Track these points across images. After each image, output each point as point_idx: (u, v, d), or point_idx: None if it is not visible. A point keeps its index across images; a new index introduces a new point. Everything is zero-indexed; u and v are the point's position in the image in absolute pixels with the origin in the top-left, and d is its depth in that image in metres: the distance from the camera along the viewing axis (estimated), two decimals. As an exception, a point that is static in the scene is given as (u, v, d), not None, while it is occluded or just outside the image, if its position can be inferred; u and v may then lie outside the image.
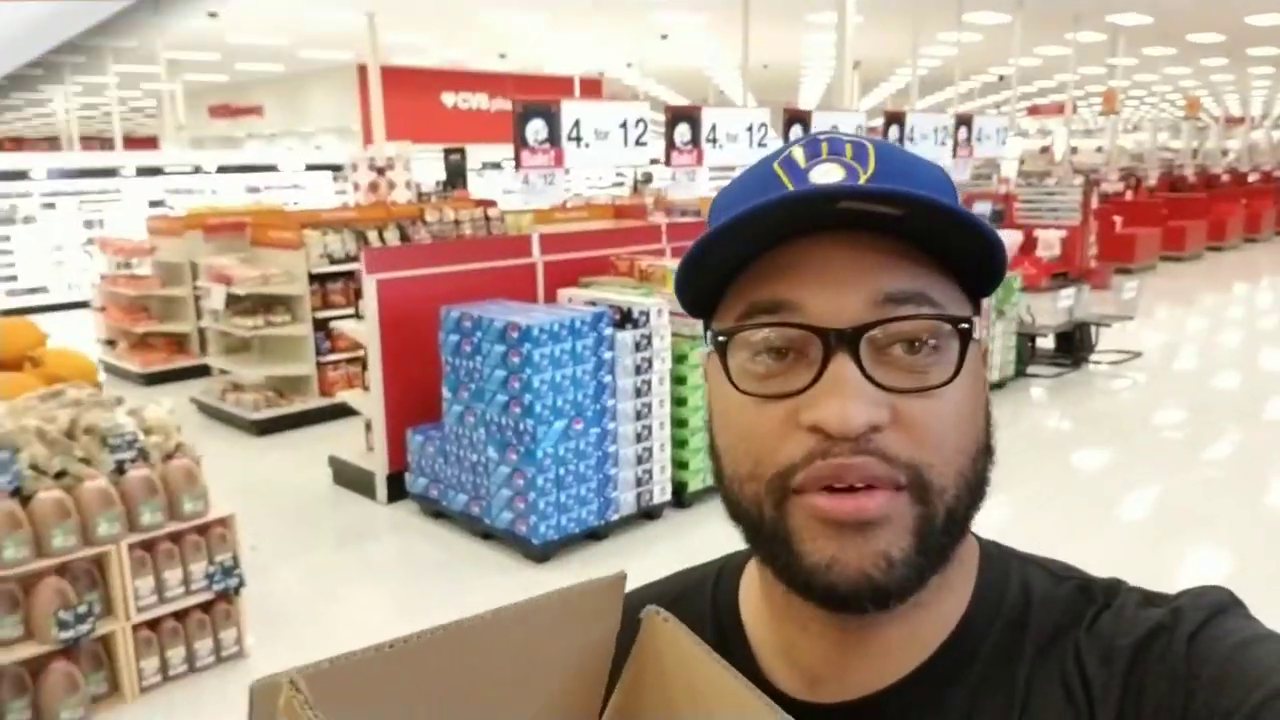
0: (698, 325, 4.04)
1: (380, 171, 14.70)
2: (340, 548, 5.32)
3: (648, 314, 4.98)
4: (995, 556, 0.65)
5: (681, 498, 5.32)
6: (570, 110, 5.86)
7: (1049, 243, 8.84)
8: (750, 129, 7.30)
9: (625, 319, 4.95)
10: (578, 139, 5.86)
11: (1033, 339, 8.40)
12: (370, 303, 5.40)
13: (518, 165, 5.61)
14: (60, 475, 3.53)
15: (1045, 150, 25.71)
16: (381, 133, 16.89)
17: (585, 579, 0.56)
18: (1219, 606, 0.57)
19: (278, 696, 0.45)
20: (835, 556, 0.54)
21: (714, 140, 6.95)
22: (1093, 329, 8.64)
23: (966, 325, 0.55)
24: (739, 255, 0.57)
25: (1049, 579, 0.63)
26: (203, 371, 8.21)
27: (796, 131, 7.86)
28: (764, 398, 0.55)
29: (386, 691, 0.50)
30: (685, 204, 11.05)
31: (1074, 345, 8.60)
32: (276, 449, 6.81)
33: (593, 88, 22.48)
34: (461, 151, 18.72)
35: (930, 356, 0.54)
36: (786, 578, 0.57)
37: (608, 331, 4.83)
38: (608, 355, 4.84)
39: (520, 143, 5.60)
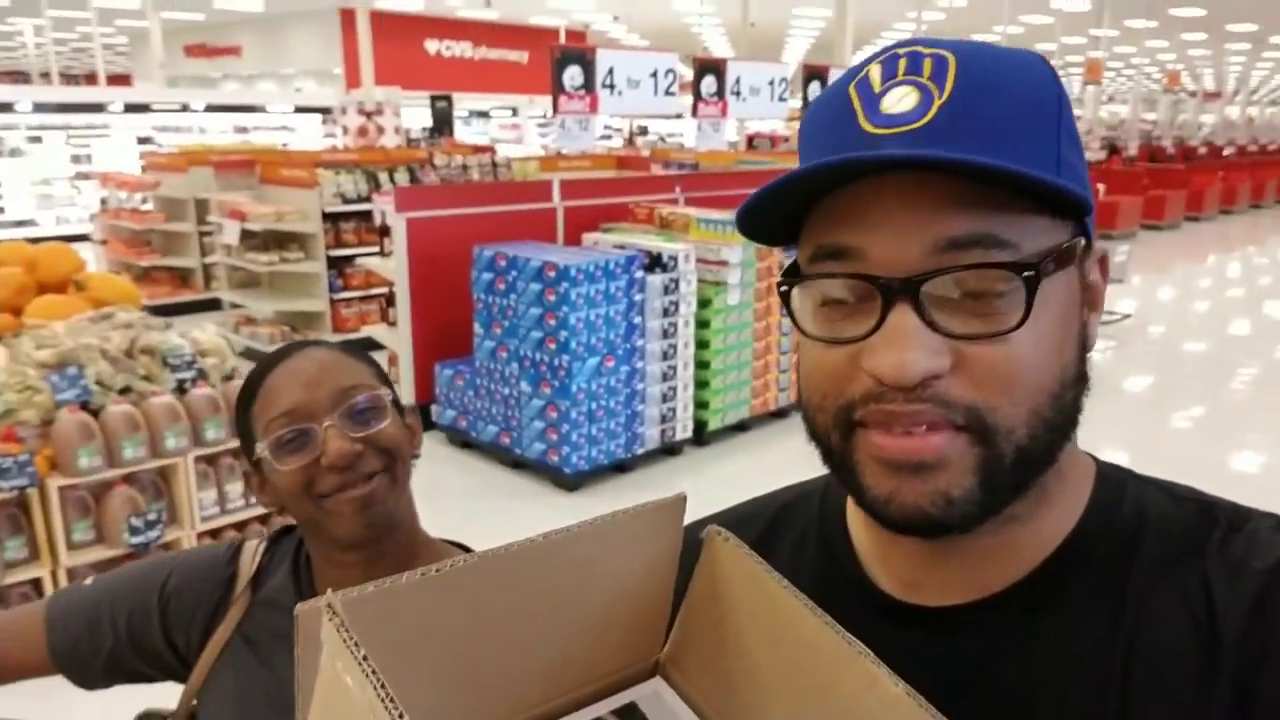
0: (722, 272, 4.31)
1: (369, 116, 14.55)
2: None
3: (676, 259, 5.12)
4: (1111, 476, 0.63)
5: (702, 435, 5.51)
6: (605, 58, 5.93)
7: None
8: (772, 83, 7.40)
9: (654, 263, 5.09)
10: (611, 86, 5.94)
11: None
12: (400, 240, 5.49)
13: (555, 110, 5.70)
14: (124, 391, 3.64)
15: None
16: (370, 77, 16.71)
17: (617, 507, 0.55)
18: None
19: (320, 619, 0.45)
20: (893, 493, 0.54)
21: (738, 93, 7.05)
22: (1081, 291, 8.90)
23: (1033, 271, 0.52)
24: (801, 199, 0.56)
25: (1168, 499, 0.62)
26: (209, 306, 8.24)
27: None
28: (828, 342, 0.56)
29: (436, 617, 0.50)
30: (683, 156, 11.14)
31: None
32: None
33: (577, 39, 22.32)
34: (448, 99, 18.59)
35: (997, 305, 0.52)
36: (857, 503, 0.58)
37: (639, 274, 4.97)
38: (638, 297, 4.98)
39: (558, 88, 5.67)
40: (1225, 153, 21.46)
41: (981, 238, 0.52)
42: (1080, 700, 0.56)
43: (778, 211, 0.57)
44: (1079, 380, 0.57)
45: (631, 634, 0.59)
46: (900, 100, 0.54)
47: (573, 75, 5.78)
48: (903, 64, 0.55)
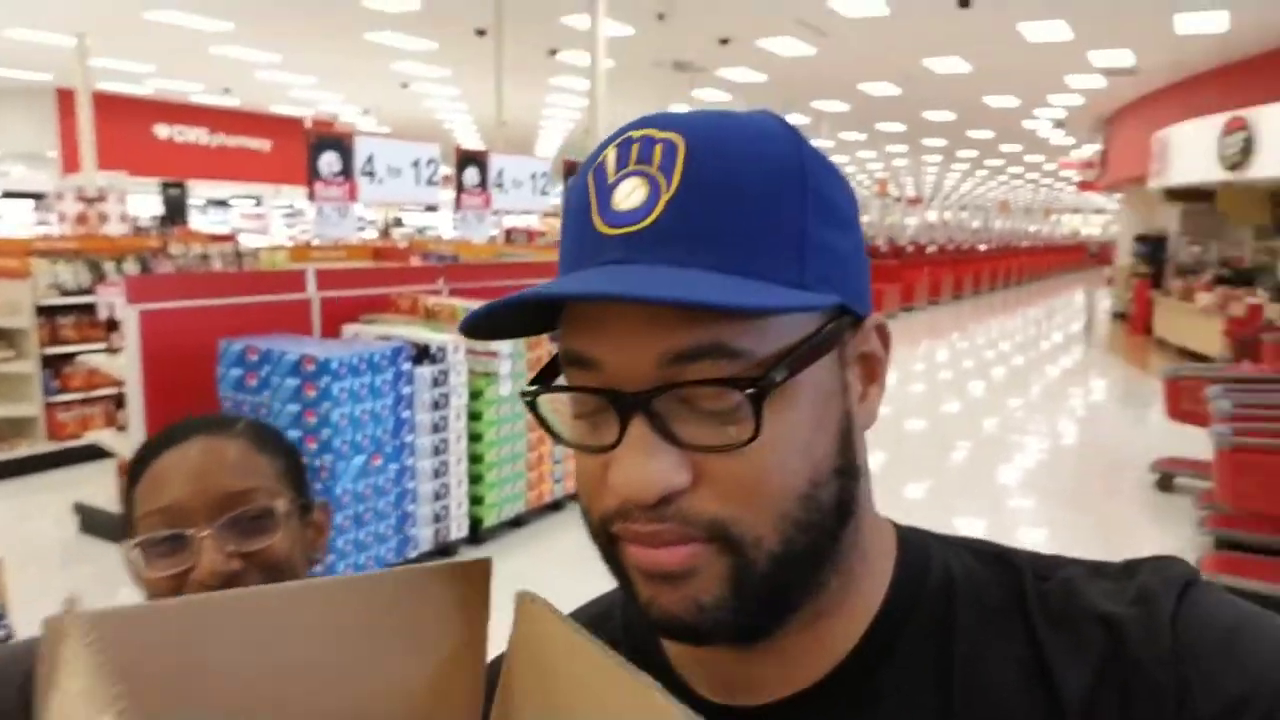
0: (492, 362, 4.27)
1: (90, 202, 13.37)
2: (108, 600, 4.77)
3: (445, 350, 4.98)
4: (913, 543, 0.62)
5: (477, 533, 5.30)
6: (364, 145, 5.77)
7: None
8: (533, 176, 7.51)
9: (422, 355, 4.92)
10: (371, 173, 5.78)
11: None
12: (132, 335, 4.96)
13: (311, 196, 5.43)
14: None
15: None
16: (93, 161, 15.39)
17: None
18: (1186, 579, 0.55)
19: (63, 636, 0.43)
20: (652, 598, 0.53)
21: (500, 184, 7.08)
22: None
23: (753, 389, 0.49)
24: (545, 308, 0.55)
25: (970, 557, 0.61)
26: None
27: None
28: (581, 449, 0.55)
29: (205, 649, 0.47)
30: (442, 248, 11.03)
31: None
32: (3, 498, 5.98)
33: (325, 130, 21.77)
34: (181, 185, 17.45)
35: (733, 413, 0.50)
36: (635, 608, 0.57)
37: (406, 366, 4.78)
38: (406, 390, 4.78)
39: (314, 174, 5.43)
40: (928, 250, 24.19)
41: (709, 349, 0.49)
42: None
43: (519, 318, 0.55)
44: (841, 472, 0.54)
45: (443, 701, 0.56)
46: (630, 195, 0.51)
47: (329, 161, 5.58)
48: (634, 150, 0.52)
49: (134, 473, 0.95)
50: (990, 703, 0.54)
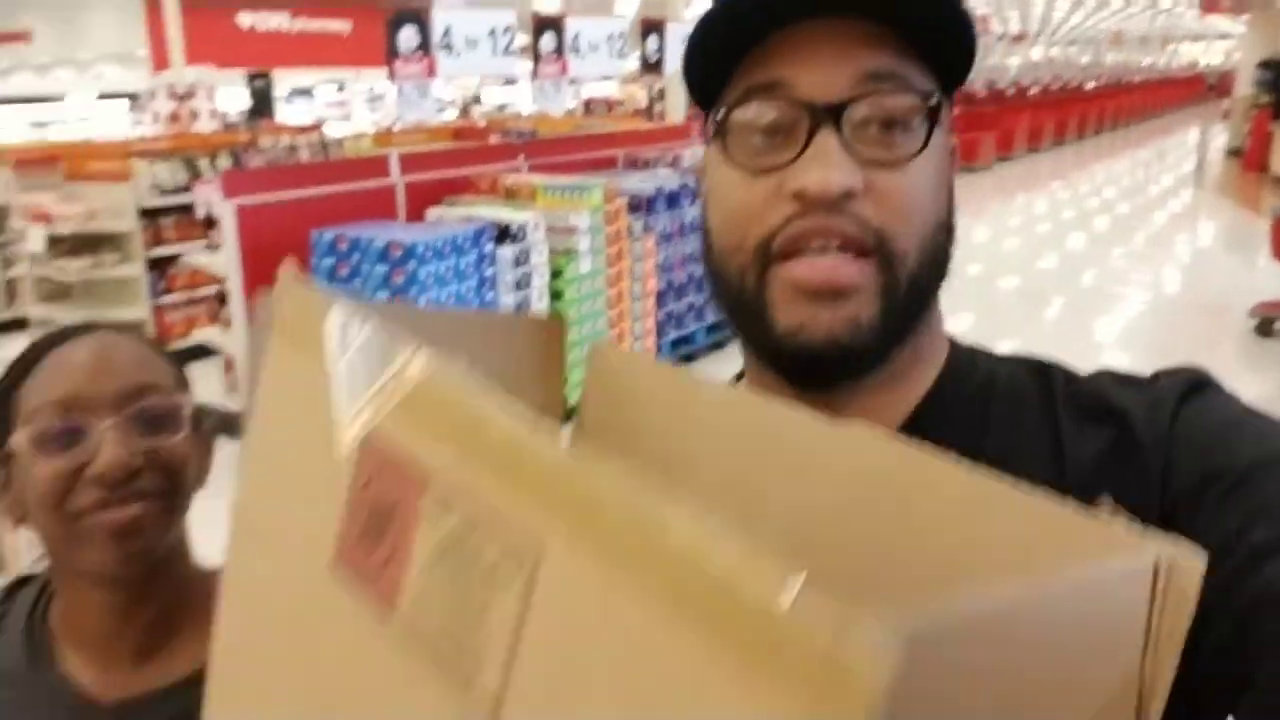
0: (571, 239, 4.21)
1: (181, 99, 13.66)
2: (221, 494, 5.17)
3: (525, 229, 5.06)
4: (962, 346, 0.70)
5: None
6: (440, 18, 5.73)
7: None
8: (610, 38, 7.35)
9: (504, 235, 5.01)
10: (449, 47, 5.75)
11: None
12: (229, 230, 5.18)
13: (391, 75, 5.46)
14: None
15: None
16: (180, 57, 15.64)
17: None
18: (1198, 382, 0.61)
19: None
20: (805, 322, 0.59)
21: (577, 50, 6.96)
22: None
23: (936, 104, 0.60)
24: (737, 43, 0.62)
25: (1014, 364, 0.68)
26: (14, 326, 7.58)
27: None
28: (755, 172, 0.61)
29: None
30: (521, 125, 10.99)
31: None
32: (125, 394, 6.42)
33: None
34: (267, 77, 17.63)
35: (902, 135, 0.60)
36: (760, 346, 0.64)
37: (489, 247, 4.89)
38: (490, 271, 4.90)
39: (392, 51, 5.44)
40: (1030, 93, 22.86)
41: (893, 74, 0.60)
42: None
43: (709, 70, 0.64)
44: (949, 229, 0.64)
45: None
46: None
47: (408, 37, 5.57)
48: None
49: (18, 369, 0.88)
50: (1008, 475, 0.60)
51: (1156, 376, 0.64)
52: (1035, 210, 13.71)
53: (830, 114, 0.58)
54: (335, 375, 0.48)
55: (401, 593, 0.41)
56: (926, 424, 0.64)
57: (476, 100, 18.02)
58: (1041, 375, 0.66)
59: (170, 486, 0.86)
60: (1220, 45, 48.81)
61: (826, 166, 0.58)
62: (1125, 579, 0.38)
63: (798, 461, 0.53)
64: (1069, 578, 0.37)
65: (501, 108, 20.51)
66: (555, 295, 5.36)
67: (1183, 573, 0.39)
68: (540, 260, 5.16)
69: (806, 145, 0.59)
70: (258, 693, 0.52)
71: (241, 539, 0.54)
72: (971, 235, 11.74)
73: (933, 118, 0.60)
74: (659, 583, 0.31)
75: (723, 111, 0.63)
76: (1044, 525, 0.42)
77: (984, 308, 7.95)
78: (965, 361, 0.69)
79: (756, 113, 0.61)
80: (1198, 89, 40.25)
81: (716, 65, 0.63)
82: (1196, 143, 16.32)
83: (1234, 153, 17.39)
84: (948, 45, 0.61)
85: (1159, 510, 0.55)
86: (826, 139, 0.58)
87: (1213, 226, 11.90)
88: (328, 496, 0.46)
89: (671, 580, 0.31)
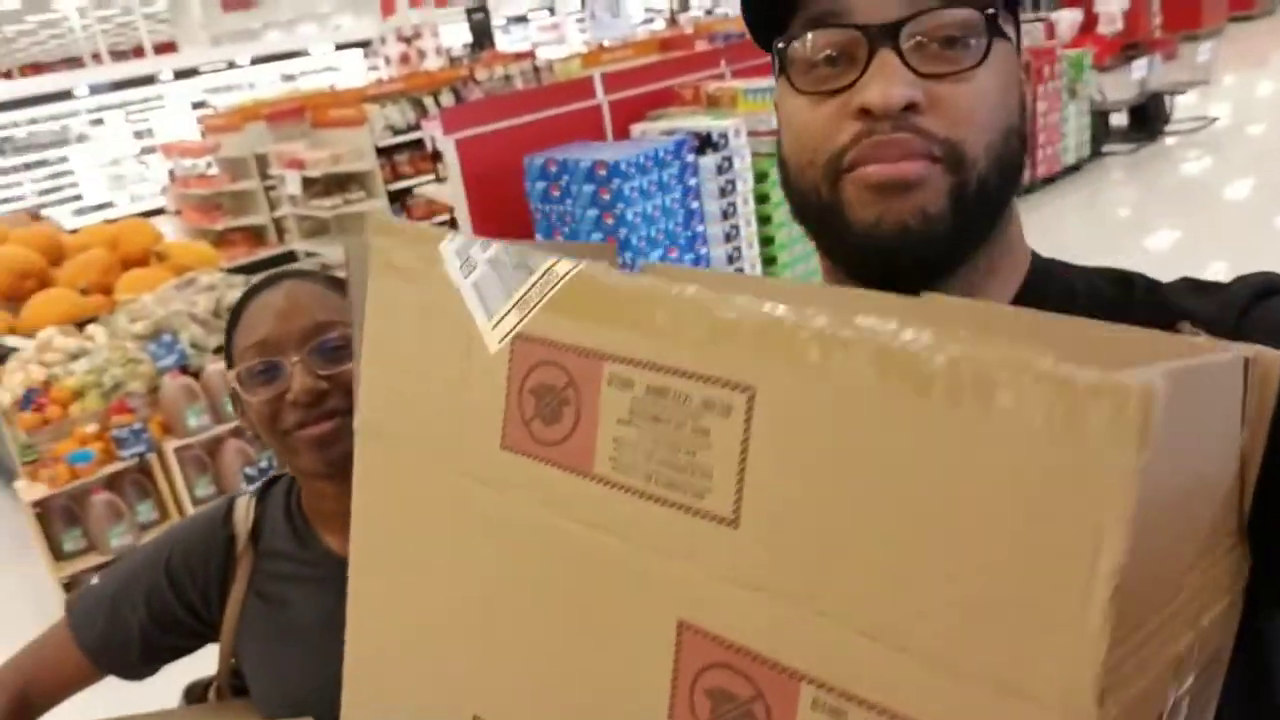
0: (774, 142, 4.11)
1: (408, 41, 14.42)
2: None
3: (726, 136, 5.01)
4: (1042, 259, 0.72)
5: (779, 312, 5.48)
6: (623, -65, 5.70)
7: (1110, 16, 8.53)
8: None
9: (705, 144, 4.99)
10: (634, -35, 5.72)
11: (1105, 117, 8.20)
12: (452, 163, 5.49)
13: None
14: (218, 350, 3.82)
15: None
16: (404, 1, 16.48)
17: None
18: (1270, 286, 0.62)
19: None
20: (880, 215, 0.61)
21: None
22: (1166, 99, 8.39)
23: (993, 12, 0.60)
24: None
25: (1094, 274, 0.69)
26: (285, 259, 8.46)
27: None
28: (819, 95, 0.63)
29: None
30: (728, 26, 10.76)
31: (1148, 118, 8.38)
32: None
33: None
34: (484, 9, 18.25)
35: (962, 49, 0.60)
36: (840, 248, 0.66)
37: (690, 158, 4.89)
38: (693, 182, 4.92)
39: (580, -24, 5.49)
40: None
41: None
42: None
43: (770, 8, 0.65)
44: (1020, 134, 0.65)
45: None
46: None
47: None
48: None
49: (233, 317, 1.08)
50: None
51: (1232, 282, 0.64)
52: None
53: (887, 33, 0.59)
54: (467, 291, 0.54)
55: (595, 452, 0.47)
56: None
57: (685, 5, 17.75)
58: (1123, 284, 0.67)
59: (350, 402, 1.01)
60: None
61: (887, 81, 0.59)
62: (1230, 365, 0.44)
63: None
64: (1208, 359, 0.44)
65: (710, 10, 20.13)
66: (761, 199, 5.30)
67: (1266, 362, 0.46)
68: (743, 165, 5.11)
69: (867, 65, 0.60)
70: (409, 579, 0.59)
71: (371, 448, 0.63)
72: (1252, 90, 10.35)
73: (992, 27, 0.60)
74: (881, 360, 0.38)
75: (784, 44, 0.64)
76: (1151, 346, 0.49)
77: (1268, 173, 7.05)
78: (1044, 273, 0.70)
79: (816, 41, 0.62)
80: None
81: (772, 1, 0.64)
82: None
83: None
84: None
85: None
86: (886, 57, 0.59)
87: None
88: (480, 393, 0.52)
89: (885, 353, 0.38)
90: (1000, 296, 0.67)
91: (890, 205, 0.61)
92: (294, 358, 1.00)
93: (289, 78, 15.28)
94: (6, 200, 12.75)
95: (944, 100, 0.60)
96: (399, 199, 7.46)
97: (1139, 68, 8.09)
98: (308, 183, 7.37)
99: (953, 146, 0.60)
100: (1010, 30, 0.64)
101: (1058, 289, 0.68)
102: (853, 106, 0.60)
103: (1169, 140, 8.37)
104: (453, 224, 5.94)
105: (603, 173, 4.63)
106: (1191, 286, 0.66)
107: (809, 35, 0.63)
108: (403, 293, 0.59)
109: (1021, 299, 0.68)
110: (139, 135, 13.60)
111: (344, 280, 1.11)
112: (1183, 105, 8.70)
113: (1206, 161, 7.80)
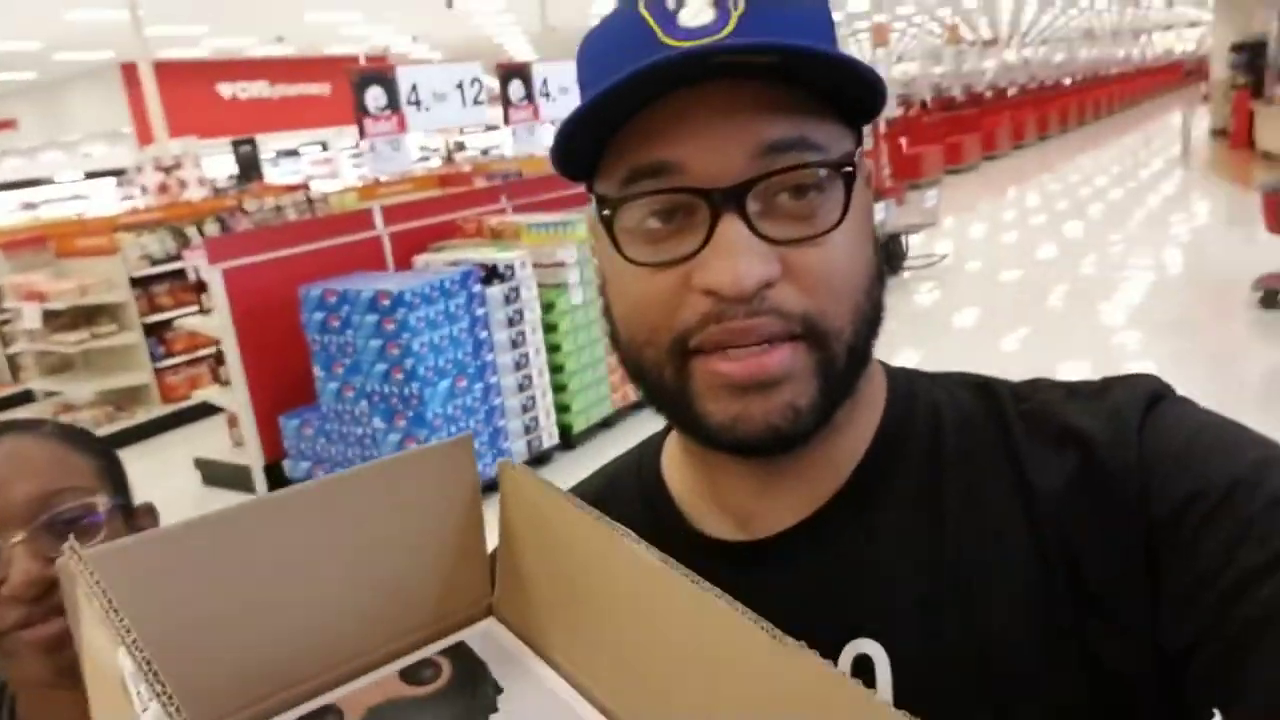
0: (561, 273, 4.21)
1: (168, 171, 13.77)
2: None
3: (512, 267, 5.06)
4: (898, 375, 0.66)
5: (569, 439, 5.47)
6: (406, 75, 5.80)
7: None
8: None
9: (491, 275, 5.02)
10: (417, 103, 5.82)
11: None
12: (219, 294, 5.20)
13: (361, 134, 5.51)
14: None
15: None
16: (163, 130, 15.82)
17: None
18: (1155, 394, 0.58)
19: (75, 580, 0.43)
20: (739, 415, 0.54)
21: (547, 94, 7.03)
22: (902, 239, 9.37)
23: (850, 167, 0.53)
24: (614, 116, 0.53)
25: (955, 386, 0.65)
26: (21, 400, 7.60)
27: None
28: (656, 266, 0.54)
29: (213, 568, 0.48)
30: (505, 167, 11.06)
31: (889, 256, 9.30)
32: (131, 462, 6.40)
33: (379, 64, 21.76)
34: (251, 142, 17.81)
35: (816, 201, 0.53)
36: (692, 434, 0.58)
37: (477, 288, 4.89)
38: (480, 311, 4.90)
39: (361, 111, 5.51)
40: (1010, 93, 23.00)
41: (796, 141, 0.52)
42: (926, 588, 0.57)
43: (585, 143, 0.55)
44: (880, 278, 0.59)
45: (450, 578, 0.58)
46: (698, 13, 0.52)
47: (375, 96, 5.64)
48: None
49: None
50: (976, 515, 0.57)
51: (1108, 386, 0.60)
52: (1028, 203, 13.73)
53: (732, 197, 0.51)
54: None
55: None
56: (880, 469, 0.61)
57: (460, 147, 18.15)
58: (986, 395, 0.63)
59: None
60: (1192, 33, 49.15)
61: (736, 258, 0.51)
62: None
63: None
64: None
65: (485, 151, 20.69)
66: (550, 328, 5.36)
67: None
68: (530, 295, 5.16)
69: (709, 236, 0.52)
70: None
71: None
72: (967, 231, 11.76)
73: (849, 179, 0.53)
74: None
75: (609, 198, 0.55)
76: None
77: (989, 302, 7.92)
78: (905, 393, 0.64)
79: (648, 203, 0.53)
80: (1176, 75, 40.50)
81: (589, 141, 0.55)
82: (1180, 126, 16.37)
83: (1218, 133, 17.45)
84: (855, 94, 0.54)
85: (1140, 538, 0.53)
86: (731, 227, 0.51)
87: (1207, 205, 11.88)
88: None
89: None
90: (866, 429, 0.62)
91: (751, 405, 0.53)
92: (14, 537, 0.78)
93: (30, 206, 14.11)
94: None
95: (800, 269, 0.53)
96: (156, 331, 6.93)
97: (878, 210, 9.01)
98: (50, 315, 6.71)
99: (814, 322, 0.53)
100: (862, 163, 0.57)
101: (922, 410, 0.63)
102: (697, 283, 0.52)
103: (906, 274, 9.30)
104: (220, 358, 5.57)
105: (386, 303, 4.53)
106: (1064, 393, 0.61)
107: (638, 195, 0.53)
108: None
109: (886, 429, 0.62)
110: None
111: (87, 432, 0.94)
112: (915, 244, 9.74)
113: (937, 294, 8.70)
